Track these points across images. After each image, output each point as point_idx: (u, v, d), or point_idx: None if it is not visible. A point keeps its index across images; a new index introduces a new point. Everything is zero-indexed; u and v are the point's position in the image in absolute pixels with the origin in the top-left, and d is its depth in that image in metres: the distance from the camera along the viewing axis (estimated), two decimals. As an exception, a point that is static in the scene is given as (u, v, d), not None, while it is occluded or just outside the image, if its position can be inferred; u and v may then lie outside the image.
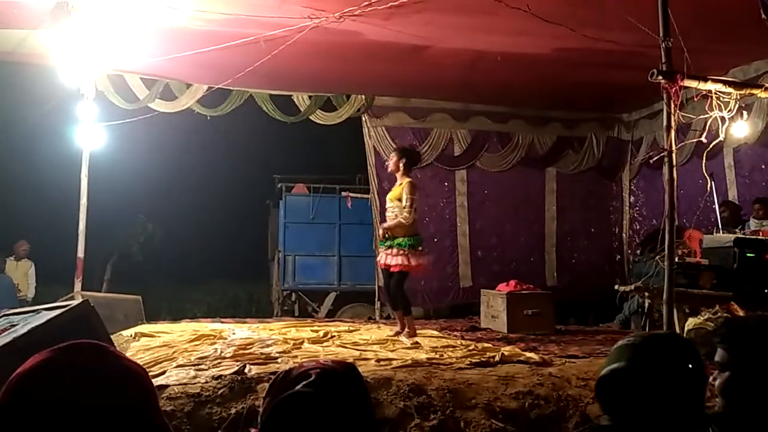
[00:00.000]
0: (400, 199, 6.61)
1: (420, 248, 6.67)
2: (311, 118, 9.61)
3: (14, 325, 4.07)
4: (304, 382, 1.43)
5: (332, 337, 6.62)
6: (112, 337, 5.20)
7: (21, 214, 14.61)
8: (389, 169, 6.98)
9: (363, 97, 9.75)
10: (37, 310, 4.41)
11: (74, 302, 4.61)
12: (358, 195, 11.64)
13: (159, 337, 6.44)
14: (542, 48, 7.29)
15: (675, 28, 4.76)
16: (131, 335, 6.53)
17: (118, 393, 1.14)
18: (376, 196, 9.96)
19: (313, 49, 7.19)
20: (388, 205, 6.81)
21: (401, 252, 6.56)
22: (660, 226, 5.06)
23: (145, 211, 17.72)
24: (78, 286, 7.82)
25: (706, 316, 5.24)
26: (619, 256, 10.83)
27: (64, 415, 1.10)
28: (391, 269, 6.64)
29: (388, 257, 6.64)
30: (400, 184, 6.71)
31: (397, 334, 6.70)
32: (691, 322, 5.22)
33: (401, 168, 6.76)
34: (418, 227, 6.80)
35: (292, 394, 1.42)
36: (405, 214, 6.53)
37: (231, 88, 8.81)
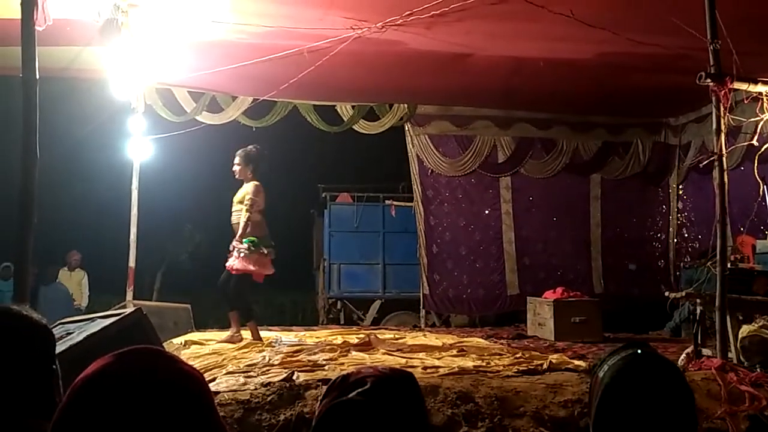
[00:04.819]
0: (242, 202, 6.67)
1: (261, 250, 6.61)
2: (354, 127, 9.67)
3: (70, 333, 4.19)
4: (359, 390, 1.43)
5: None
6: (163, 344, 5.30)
7: (73, 225, 14.96)
8: (237, 177, 6.92)
9: (405, 105, 9.77)
10: (92, 318, 4.53)
11: (127, 311, 4.73)
12: (402, 203, 11.69)
13: (208, 344, 6.55)
14: (585, 53, 7.21)
15: (723, 30, 4.68)
16: (181, 343, 6.65)
17: (178, 397, 1.18)
18: (420, 204, 9.98)
19: (356, 60, 7.23)
20: (233, 208, 6.81)
21: (239, 255, 6.59)
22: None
23: (191, 221, 17.99)
24: (130, 295, 7.96)
25: (760, 324, 5.11)
26: (663, 262, 10.60)
27: (126, 418, 1.13)
28: (232, 271, 6.65)
29: (230, 258, 6.67)
30: (245, 187, 6.77)
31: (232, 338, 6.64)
32: (745, 330, 5.09)
33: (249, 174, 6.81)
34: (262, 229, 6.74)
35: (345, 402, 1.42)
36: (245, 214, 6.57)
37: (275, 99, 8.92)
